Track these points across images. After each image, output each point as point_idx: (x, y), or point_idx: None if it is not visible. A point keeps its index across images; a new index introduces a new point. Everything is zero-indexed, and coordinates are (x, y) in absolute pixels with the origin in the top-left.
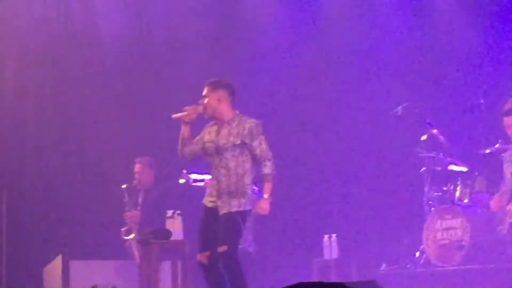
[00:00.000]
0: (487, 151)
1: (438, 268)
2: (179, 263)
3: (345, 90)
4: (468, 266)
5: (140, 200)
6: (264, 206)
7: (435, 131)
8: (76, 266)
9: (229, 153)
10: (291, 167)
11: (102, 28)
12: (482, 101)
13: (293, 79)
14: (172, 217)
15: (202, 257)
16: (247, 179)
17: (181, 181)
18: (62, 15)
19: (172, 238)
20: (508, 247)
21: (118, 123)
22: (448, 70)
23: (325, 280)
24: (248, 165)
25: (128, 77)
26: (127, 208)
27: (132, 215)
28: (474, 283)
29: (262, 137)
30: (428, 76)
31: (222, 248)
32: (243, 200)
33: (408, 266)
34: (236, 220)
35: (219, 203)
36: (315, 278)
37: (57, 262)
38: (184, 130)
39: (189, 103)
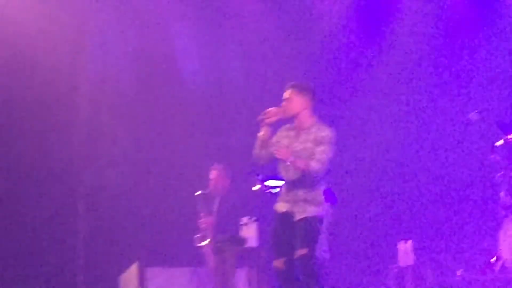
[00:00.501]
0: None
1: None
2: (254, 270)
3: (424, 92)
4: None
5: (215, 207)
6: (285, 152)
7: (510, 136)
8: (152, 272)
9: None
10: (364, 173)
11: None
12: None
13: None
14: (246, 224)
15: (278, 263)
16: (321, 188)
17: (255, 188)
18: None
19: (246, 245)
20: None
21: (194, 130)
22: None
23: (401, 287)
24: (323, 174)
25: (203, 81)
26: (201, 214)
27: (207, 221)
28: None
29: (330, 146)
30: (503, 80)
31: (302, 251)
32: (317, 208)
33: (484, 272)
34: (314, 224)
35: (295, 209)
36: (391, 284)
37: (134, 269)
38: (265, 132)
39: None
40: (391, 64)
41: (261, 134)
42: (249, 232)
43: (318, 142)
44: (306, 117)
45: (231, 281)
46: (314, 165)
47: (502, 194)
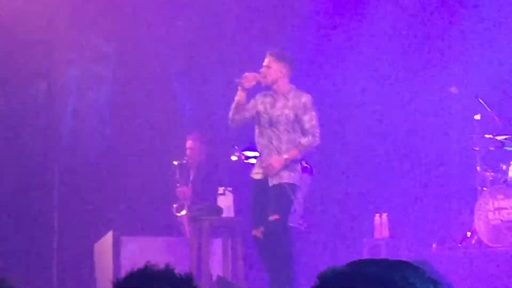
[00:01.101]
0: None
1: (490, 249)
2: (229, 240)
3: (398, 66)
4: None
5: (191, 176)
6: (275, 162)
7: (488, 110)
8: (126, 242)
9: (282, 126)
10: (341, 146)
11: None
12: None
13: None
14: (223, 194)
15: (256, 232)
16: (298, 155)
17: (233, 158)
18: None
19: (223, 215)
20: None
21: (171, 98)
22: (503, 48)
23: None
24: (299, 141)
25: (181, 52)
26: (178, 184)
27: (184, 191)
28: None
29: (314, 113)
30: (483, 55)
31: (273, 217)
32: (292, 174)
33: (459, 246)
34: (286, 191)
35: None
36: (365, 257)
37: (108, 238)
38: (241, 96)
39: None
40: (368, 39)
41: (237, 97)
42: (226, 202)
43: (300, 110)
44: (284, 85)
45: (206, 251)
46: (309, 141)
47: (478, 168)
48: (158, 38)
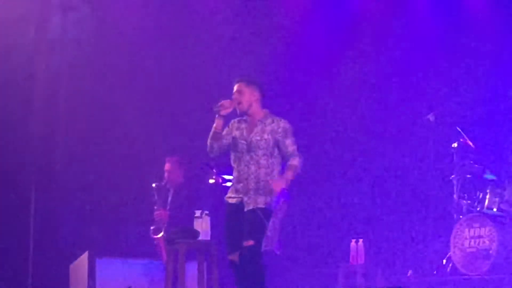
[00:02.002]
0: None
1: (465, 276)
2: (205, 264)
3: (377, 95)
4: (495, 275)
5: (169, 199)
6: (280, 182)
7: (466, 138)
8: (102, 264)
9: (261, 151)
10: (317, 172)
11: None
12: None
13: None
14: (200, 217)
15: (233, 256)
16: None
17: (211, 181)
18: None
19: (199, 238)
20: None
21: (150, 122)
22: (482, 77)
23: (351, 286)
24: (277, 165)
25: (163, 76)
26: (156, 207)
27: (161, 214)
28: None
29: (293, 138)
30: (461, 83)
31: (248, 243)
32: (269, 198)
33: (434, 273)
34: (259, 217)
35: (245, 199)
36: (341, 283)
37: (83, 259)
38: (218, 123)
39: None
40: (350, 64)
41: (214, 125)
42: (202, 225)
43: (280, 134)
44: (258, 109)
45: (182, 274)
46: (298, 161)
47: (455, 196)
48: (139, 55)
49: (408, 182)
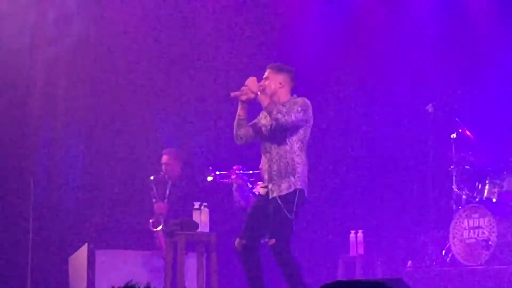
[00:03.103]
0: None
1: (464, 267)
2: (204, 255)
3: (376, 86)
4: (494, 266)
5: (167, 191)
6: (249, 81)
7: (465, 129)
8: (102, 255)
9: (281, 134)
10: (317, 163)
11: (134, 18)
12: None
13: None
14: (199, 209)
15: (237, 243)
16: (297, 159)
17: (209, 179)
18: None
19: (198, 230)
20: None
21: (150, 114)
22: (480, 67)
23: (350, 277)
24: (297, 145)
25: (160, 68)
26: (154, 199)
27: (160, 206)
28: (500, 283)
29: (299, 108)
30: (460, 73)
31: (271, 242)
32: (293, 179)
33: (434, 264)
34: (279, 209)
35: (270, 186)
36: (340, 274)
37: (83, 251)
38: (240, 110)
39: (221, 95)
40: (349, 55)
41: (238, 112)
42: (201, 217)
43: (287, 108)
44: (283, 96)
45: (181, 266)
46: (281, 115)
47: (454, 187)
48: (135, 52)
49: (407, 173)
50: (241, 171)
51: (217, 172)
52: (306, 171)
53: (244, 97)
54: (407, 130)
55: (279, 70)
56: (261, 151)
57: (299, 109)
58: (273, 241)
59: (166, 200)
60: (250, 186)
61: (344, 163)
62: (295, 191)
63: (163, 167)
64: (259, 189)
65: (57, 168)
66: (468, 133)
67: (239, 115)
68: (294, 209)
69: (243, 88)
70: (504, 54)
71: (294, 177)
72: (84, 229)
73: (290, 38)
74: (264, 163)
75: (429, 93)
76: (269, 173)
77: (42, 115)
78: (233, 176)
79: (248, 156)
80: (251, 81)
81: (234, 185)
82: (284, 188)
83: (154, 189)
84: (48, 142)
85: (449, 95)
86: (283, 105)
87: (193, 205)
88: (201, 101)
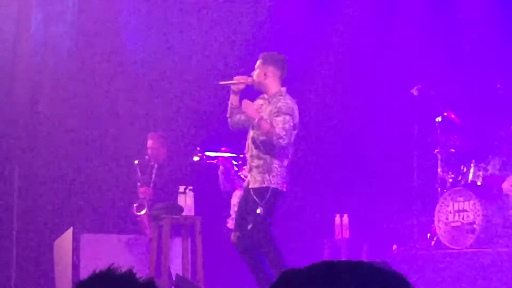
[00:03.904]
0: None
1: (449, 250)
2: (189, 239)
3: (360, 69)
4: (479, 249)
5: (152, 175)
6: (252, 108)
7: (450, 112)
8: (86, 239)
9: (259, 131)
10: (302, 147)
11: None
12: (498, 85)
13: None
14: (184, 192)
15: (233, 236)
16: (276, 160)
17: (195, 159)
18: None
19: (183, 214)
20: None
21: (134, 97)
22: (465, 50)
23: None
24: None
25: (143, 52)
26: (139, 183)
27: (145, 190)
28: (485, 266)
29: (288, 117)
30: (444, 56)
31: (249, 226)
32: (267, 177)
33: (419, 247)
34: (251, 198)
35: (249, 176)
36: (326, 258)
37: (68, 235)
38: (232, 99)
39: (205, 79)
40: (333, 39)
41: (229, 101)
42: (186, 200)
43: (275, 115)
44: (270, 87)
45: (166, 250)
46: (278, 132)
47: (439, 170)
48: (121, 31)
49: (392, 156)
50: (229, 153)
51: (206, 153)
52: (286, 170)
53: (235, 88)
54: (392, 113)
55: (266, 60)
56: (247, 137)
57: (288, 118)
58: (237, 234)
59: (151, 185)
60: (236, 169)
61: (329, 147)
62: (268, 188)
63: (148, 151)
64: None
65: (40, 152)
66: (453, 116)
67: (231, 103)
68: (262, 204)
69: (235, 77)
70: (489, 36)
71: (269, 176)
72: (69, 213)
73: (274, 25)
74: (247, 151)
75: (413, 76)
76: (249, 164)
77: (25, 99)
78: (220, 157)
79: (235, 139)
80: (239, 78)
81: (221, 168)
82: (258, 181)
83: (139, 173)
84: (31, 125)
85: (434, 77)
86: (269, 100)
87: (178, 188)
88: (187, 83)
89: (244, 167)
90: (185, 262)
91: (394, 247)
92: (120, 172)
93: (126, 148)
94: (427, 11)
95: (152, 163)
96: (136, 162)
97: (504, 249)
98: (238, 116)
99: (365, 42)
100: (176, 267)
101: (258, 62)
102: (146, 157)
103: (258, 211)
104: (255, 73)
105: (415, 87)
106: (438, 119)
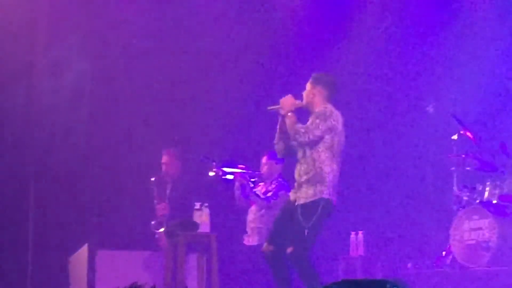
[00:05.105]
0: None
1: (465, 269)
2: (205, 256)
3: (376, 86)
4: (495, 268)
5: (168, 191)
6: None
7: (466, 130)
8: (102, 255)
9: (307, 146)
10: None
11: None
12: None
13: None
14: (200, 209)
15: (265, 248)
16: (326, 168)
17: (211, 174)
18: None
19: (199, 231)
20: None
21: (151, 114)
22: (483, 68)
23: (351, 277)
24: (325, 155)
25: (160, 67)
26: (156, 201)
27: (164, 207)
28: (501, 285)
29: (319, 121)
30: (461, 74)
31: (289, 250)
32: (319, 187)
33: (434, 265)
34: (300, 219)
35: (298, 193)
36: (341, 274)
37: (84, 251)
38: (280, 123)
39: (221, 96)
40: (348, 55)
41: (278, 125)
42: (202, 217)
43: (312, 116)
44: (316, 105)
45: (181, 266)
46: (298, 127)
47: (454, 188)
48: (134, 51)
49: (408, 174)
50: (245, 170)
51: (222, 169)
52: (336, 181)
53: (283, 111)
54: (408, 130)
55: (314, 82)
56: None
57: (317, 121)
58: (291, 249)
59: (166, 201)
60: (252, 185)
61: (345, 164)
62: (320, 199)
63: (163, 167)
64: (291, 194)
65: (57, 168)
66: (468, 134)
67: (279, 128)
68: (314, 218)
69: (281, 100)
70: (504, 55)
71: (322, 186)
72: (85, 229)
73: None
74: (296, 171)
75: (429, 94)
76: (298, 181)
77: (44, 113)
78: (237, 173)
79: (250, 156)
80: (286, 100)
81: (236, 184)
82: (310, 195)
83: (155, 190)
84: (48, 142)
85: (450, 95)
86: (312, 115)
87: (194, 205)
88: (204, 100)
89: (260, 183)
90: (201, 279)
91: (409, 265)
92: (136, 188)
93: (142, 165)
94: (443, 26)
95: (167, 179)
96: (152, 179)
97: None
98: (285, 141)
99: (377, 59)
100: (192, 283)
101: (308, 82)
102: (161, 173)
103: (306, 232)
104: (304, 93)
105: (431, 105)
106: (454, 137)
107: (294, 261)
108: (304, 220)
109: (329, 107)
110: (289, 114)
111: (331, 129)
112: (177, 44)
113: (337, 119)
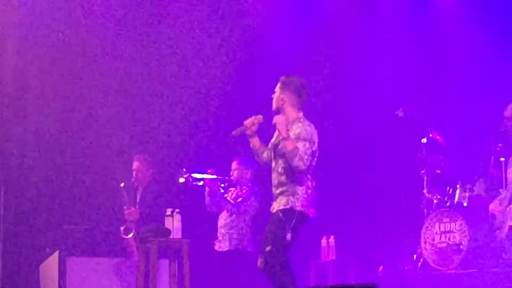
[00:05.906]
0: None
1: (436, 271)
2: (177, 262)
3: (345, 91)
4: (466, 270)
5: (138, 197)
6: (276, 119)
7: (435, 133)
8: (73, 263)
9: (281, 159)
10: None
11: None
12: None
13: None
14: (171, 215)
15: (260, 263)
16: (299, 181)
17: (181, 180)
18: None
19: (170, 237)
20: (507, 251)
21: (119, 120)
22: (450, 73)
23: (322, 282)
24: (299, 174)
25: (129, 75)
26: (125, 206)
27: (131, 213)
28: (472, 287)
29: (307, 144)
30: (430, 79)
31: (268, 248)
32: (292, 199)
33: (405, 268)
34: (278, 218)
35: (274, 203)
36: (312, 279)
37: (54, 258)
38: (252, 142)
39: (190, 102)
40: (321, 61)
41: (251, 144)
42: (173, 223)
43: (295, 140)
44: (289, 112)
45: (154, 272)
46: (301, 153)
47: (424, 191)
48: (107, 56)
49: (378, 177)
50: (215, 175)
51: (193, 175)
52: (309, 193)
53: (249, 132)
54: (378, 134)
55: (283, 86)
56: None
57: (307, 145)
58: (268, 247)
59: (137, 207)
60: (222, 191)
61: (314, 169)
62: (292, 209)
63: (134, 173)
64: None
65: (26, 175)
66: (438, 137)
67: (253, 147)
68: (286, 227)
69: (245, 122)
70: (475, 58)
71: (293, 198)
72: (55, 236)
73: (264, 39)
74: (272, 180)
75: (399, 98)
76: (274, 192)
77: (12, 121)
78: (207, 179)
79: (221, 161)
80: (249, 121)
81: (207, 189)
82: (282, 203)
83: (125, 196)
84: (17, 149)
85: (419, 99)
86: (290, 128)
87: (165, 211)
88: (174, 106)
89: (231, 189)
90: (173, 285)
91: (381, 268)
92: (106, 195)
93: (112, 171)
94: (413, 30)
95: (138, 185)
96: (122, 185)
97: (491, 270)
98: (265, 154)
99: (348, 64)
100: None
101: (277, 86)
102: (132, 179)
103: (288, 237)
104: (274, 96)
105: (400, 109)
106: (424, 140)
107: (270, 259)
108: (280, 227)
109: (306, 123)
110: (290, 138)
111: (315, 153)
112: (148, 49)
113: (316, 136)
